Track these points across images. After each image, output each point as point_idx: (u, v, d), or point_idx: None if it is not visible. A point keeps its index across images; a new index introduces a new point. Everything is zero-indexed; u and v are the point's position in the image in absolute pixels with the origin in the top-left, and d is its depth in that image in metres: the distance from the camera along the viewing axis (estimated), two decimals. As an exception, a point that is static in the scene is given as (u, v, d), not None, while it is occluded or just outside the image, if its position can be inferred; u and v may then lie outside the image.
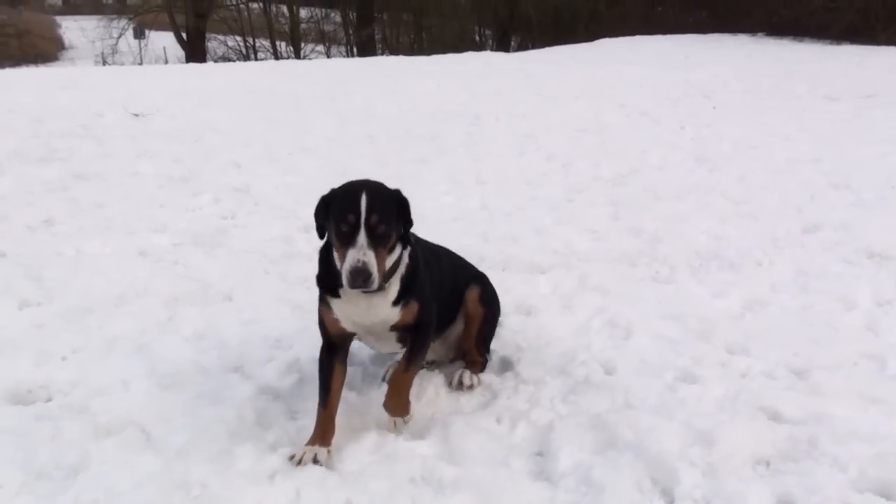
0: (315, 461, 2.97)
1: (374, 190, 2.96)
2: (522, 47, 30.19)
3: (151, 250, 5.36)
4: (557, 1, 29.99)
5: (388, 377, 3.62)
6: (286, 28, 36.03)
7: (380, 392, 3.38)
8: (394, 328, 3.22)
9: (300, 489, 2.82)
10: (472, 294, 3.71)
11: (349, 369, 3.54)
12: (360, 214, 2.84)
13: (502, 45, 31.36)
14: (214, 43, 36.16)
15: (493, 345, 3.89)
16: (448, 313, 3.68)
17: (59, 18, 51.11)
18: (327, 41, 36.69)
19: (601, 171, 7.94)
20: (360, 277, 2.81)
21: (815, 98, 12.25)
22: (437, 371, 3.75)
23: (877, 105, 11.30)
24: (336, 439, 3.10)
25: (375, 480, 2.88)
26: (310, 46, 36.49)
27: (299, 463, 2.95)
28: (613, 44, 22.70)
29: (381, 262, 2.88)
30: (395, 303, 3.13)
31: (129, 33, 35.78)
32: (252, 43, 36.60)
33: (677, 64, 16.97)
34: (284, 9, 36.03)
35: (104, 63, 32.84)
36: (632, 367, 3.74)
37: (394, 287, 3.11)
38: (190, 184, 7.11)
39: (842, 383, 3.54)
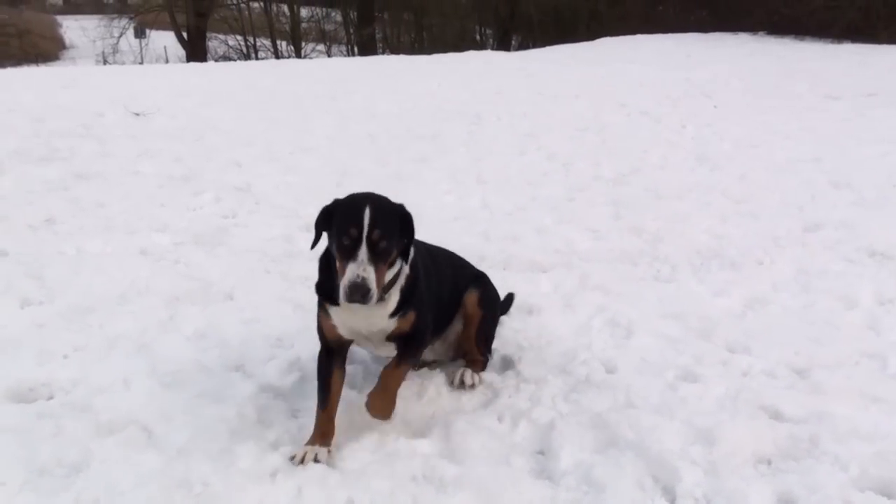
0: (315, 461, 2.97)
1: (378, 204, 2.94)
2: (523, 46, 30.18)
3: (152, 249, 5.36)
4: (558, 0, 29.97)
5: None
6: (287, 27, 36.01)
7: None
8: (390, 337, 3.22)
9: (301, 487, 2.82)
10: (472, 297, 3.71)
11: (350, 368, 3.56)
12: (363, 229, 2.83)
13: (503, 45, 31.35)
14: (215, 42, 36.16)
15: (494, 344, 3.89)
16: (447, 315, 3.69)
17: (59, 18, 51.13)
18: (328, 40, 36.68)
19: (602, 170, 7.94)
20: (359, 293, 2.81)
21: (816, 97, 12.25)
22: (438, 370, 3.75)
23: (878, 104, 11.29)
24: (337, 438, 3.11)
25: (377, 479, 2.88)
26: (310, 46, 36.48)
27: (301, 462, 2.96)
28: (614, 43, 22.68)
29: (380, 277, 2.88)
30: (393, 314, 3.14)
31: (130, 33, 35.78)
32: (253, 42, 36.58)
33: (678, 63, 16.96)
34: (285, 8, 36.00)
35: (105, 62, 32.84)
36: (633, 366, 3.74)
37: (393, 298, 3.11)
38: (191, 183, 7.11)
39: (843, 382, 3.54)
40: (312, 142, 9.22)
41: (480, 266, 4.16)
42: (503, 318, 4.16)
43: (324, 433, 3.08)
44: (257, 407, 3.37)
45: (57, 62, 36.47)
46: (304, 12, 37.10)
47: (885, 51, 17.60)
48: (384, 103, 12.05)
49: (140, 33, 35.83)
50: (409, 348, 3.24)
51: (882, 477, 2.84)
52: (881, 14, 19.96)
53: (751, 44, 21.24)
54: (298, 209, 6.37)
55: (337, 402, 3.19)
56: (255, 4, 36.80)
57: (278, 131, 9.72)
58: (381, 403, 3.16)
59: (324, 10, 37.68)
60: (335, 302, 3.09)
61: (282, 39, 36.08)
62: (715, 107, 11.73)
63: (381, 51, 32.84)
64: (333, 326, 3.19)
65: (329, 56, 33.11)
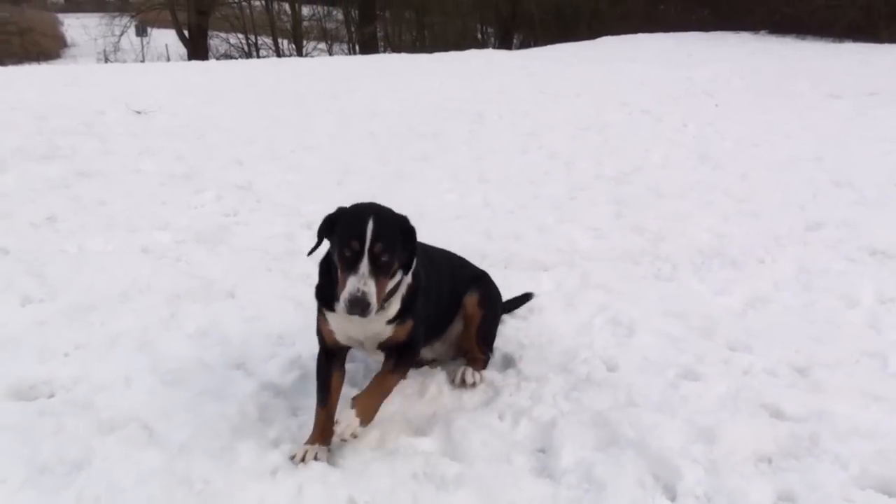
0: (316, 459, 2.97)
1: (381, 217, 2.92)
2: (525, 45, 30.18)
3: (154, 247, 5.36)
4: (560, -1, 29.99)
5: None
6: (288, 25, 36.00)
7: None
8: (382, 346, 3.22)
9: (302, 485, 2.82)
10: (472, 299, 3.70)
11: (350, 366, 3.56)
12: (365, 242, 2.82)
13: (504, 43, 31.36)
14: (216, 40, 36.21)
15: (496, 342, 3.89)
16: (446, 317, 3.69)
17: (61, 16, 51.25)
18: (329, 39, 36.70)
19: (604, 169, 7.94)
20: (359, 307, 2.80)
21: (817, 96, 12.25)
22: (439, 368, 3.75)
23: (879, 103, 11.29)
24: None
25: (377, 477, 2.89)
26: (312, 44, 36.51)
27: (301, 461, 2.95)
28: (616, 42, 22.67)
29: (381, 289, 2.88)
30: (391, 320, 3.14)
31: (132, 31, 35.82)
32: (254, 40, 36.62)
33: (679, 62, 16.96)
34: (286, 6, 36.02)
35: (106, 61, 32.87)
36: (634, 365, 3.74)
37: (393, 307, 3.11)
38: (192, 181, 7.11)
39: (843, 381, 3.54)
40: (314, 140, 9.22)
41: (482, 265, 4.16)
42: (504, 317, 4.16)
43: (323, 432, 3.08)
44: (258, 405, 3.37)
45: (58, 60, 36.54)
46: (306, 10, 37.12)
47: (887, 50, 17.59)
48: (386, 102, 12.05)
49: (141, 31, 35.86)
50: (402, 357, 3.22)
51: (882, 475, 2.84)
52: (882, 13, 19.93)
53: (752, 43, 21.23)
54: (300, 207, 6.38)
55: (336, 400, 3.19)
56: (257, 2, 36.85)
57: (280, 129, 9.72)
58: (364, 407, 3.02)
59: (325, 8, 37.69)
60: (333, 308, 3.10)
61: (283, 38, 36.09)
62: (716, 106, 11.72)
63: (382, 49, 32.83)
64: (331, 331, 3.20)
65: (330, 54, 33.16)
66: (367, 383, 3.25)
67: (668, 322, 4.25)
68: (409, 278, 3.14)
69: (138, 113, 9.96)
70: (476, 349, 3.73)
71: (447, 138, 9.55)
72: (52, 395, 3.46)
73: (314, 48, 35.95)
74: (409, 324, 3.19)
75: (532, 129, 10.11)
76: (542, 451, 3.12)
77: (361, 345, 3.26)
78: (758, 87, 13.33)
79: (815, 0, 20.58)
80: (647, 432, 3.10)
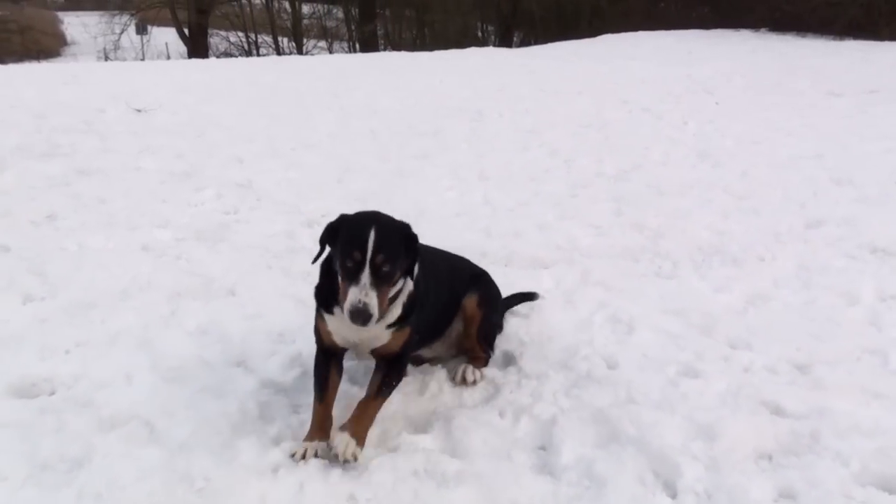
0: (316, 456, 2.97)
1: (383, 227, 2.91)
2: (525, 43, 30.20)
3: (154, 245, 5.36)
4: (560, -4, 29.99)
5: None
6: (288, 24, 36.01)
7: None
8: (374, 351, 3.22)
9: (303, 482, 2.82)
10: (471, 301, 3.70)
11: (351, 364, 3.57)
12: (367, 253, 2.82)
13: (505, 41, 31.37)
14: (216, 39, 36.23)
15: (496, 340, 3.89)
16: (445, 318, 3.69)
17: (61, 14, 51.25)
18: (330, 37, 36.70)
19: (604, 166, 7.93)
20: (360, 318, 2.80)
21: (818, 94, 12.24)
22: (439, 366, 3.75)
23: (880, 101, 11.29)
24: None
25: (379, 474, 2.89)
26: (312, 42, 36.51)
27: (302, 458, 2.94)
28: (616, 39, 22.68)
29: (383, 299, 2.87)
30: (390, 326, 3.13)
31: (132, 29, 35.84)
32: (254, 38, 36.62)
33: (680, 60, 16.96)
34: (287, 4, 36.02)
35: (106, 59, 32.85)
36: (634, 362, 3.74)
37: (393, 313, 3.11)
38: (192, 179, 7.11)
39: (844, 378, 3.55)
40: (314, 138, 9.21)
41: (482, 262, 4.16)
42: (505, 314, 4.16)
43: (321, 426, 3.07)
44: (259, 402, 3.37)
45: (58, 58, 36.52)
46: (306, 8, 37.15)
47: (887, 48, 17.59)
48: (386, 100, 12.05)
49: (141, 30, 35.88)
50: (390, 372, 3.19)
51: (883, 472, 2.85)
52: (883, 11, 19.93)
53: (752, 40, 21.23)
54: (300, 205, 6.38)
55: (334, 396, 3.20)
56: (257, 1, 36.82)
57: (280, 128, 9.72)
58: (355, 432, 2.96)
59: (325, 6, 37.69)
60: (331, 311, 3.11)
61: (283, 36, 36.09)
62: (717, 103, 11.72)
63: (382, 47, 32.83)
64: (329, 333, 3.20)
65: (331, 52, 33.15)
66: (367, 379, 3.25)
67: (669, 319, 4.25)
68: (410, 285, 3.13)
69: (138, 111, 9.96)
70: (477, 347, 3.73)
71: (447, 136, 9.54)
72: (52, 393, 3.46)
73: (314, 46, 35.96)
74: (405, 331, 3.19)
75: (532, 127, 10.10)
76: (543, 448, 3.12)
77: (356, 347, 3.26)
78: (758, 84, 13.32)
79: (815, -3, 20.60)
80: (647, 429, 3.10)
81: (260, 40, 36.59)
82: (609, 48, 20.62)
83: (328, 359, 3.23)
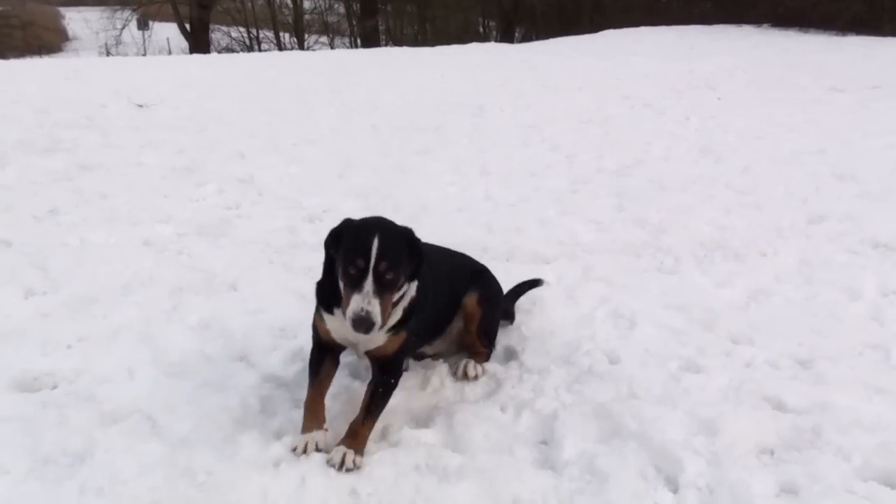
0: (317, 450, 2.96)
1: (386, 234, 2.89)
2: (527, 38, 30.17)
3: (156, 240, 5.36)
4: (561, -8, 29.96)
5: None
6: (290, 19, 36.01)
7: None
8: (370, 353, 3.21)
9: (305, 476, 2.82)
10: (471, 299, 3.68)
11: (350, 359, 3.57)
12: (370, 260, 2.80)
13: (506, 37, 31.34)
14: (218, 34, 36.25)
15: (498, 335, 3.89)
16: (446, 317, 3.68)
17: (62, 10, 51.20)
18: (331, 32, 36.69)
19: (605, 162, 7.93)
20: (363, 326, 2.79)
21: (820, 89, 12.22)
22: (441, 361, 3.75)
23: (882, 96, 11.27)
24: (338, 427, 3.10)
25: (380, 468, 2.89)
26: (313, 37, 36.49)
27: (304, 452, 2.94)
28: (618, 35, 22.66)
29: (385, 307, 2.86)
30: (388, 329, 3.12)
31: (133, 25, 35.82)
32: (256, 34, 36.60)
33: (682, 55, 16.93)
34: (288, 0, 35.99)
35: (108, 54, 32.85)
36: (636, 357, 3.74)
37: (395, 317, 3.10)
38: (194, 174, 7.11)
39: (846, 373, 3.54)
40: (316, 133, 9.21)
41: (483, 258, 4.15)
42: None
43: (315, 415, 3.07)
44: (260, 397, 3.37)
45: (60, 54, 36.57)
46: (307, 4, 37.15)
47: (890, 43, 17.56)
48: (387, 95, 12.04)
49: (143, 25, 35.86)
50: (385, 376, 3.15)
51: (885, 467, 2.84)
52: (886, 6, 19.91)
53: (755, 36, 21.19)
54: (302, 200, 6.38)
55: (328, 385, 3.21)
56: (258, -4, 36.82)
57: (281, 123, 9.71)
58: (352, 444, 2.95)
59: (327, 1, 37.66)
60: (331, 311, 3.11)
61: (285, 31, 36.09)
62: (719, 99, 11.70)
63: (384, 43, 32.83)
64: (328, 331, 3.20)
65: (332, 48, 33.10)
66: (367, 373, 3.25)
67: (670, 314, 4.25)
68: (413, 290, 3.13)
69: (140, 106, 9.96)
70: (478, 343, 3.73)
71: (449, 131, 9.54)
72: (54, 387, 3.46)
73: (316, 42, 35.94)
74: (402, 335, 3.17)
75: (534, 123, 10.09)
76: (545, 443, 3.12)
77: (354, 347, 3.26)
78: (760, 80, 13.30)
79: (817, -7, 20.56)
80: (648, 424, 3.10)
81: (261, 36, 36.61)
82: (611, 44, 20.59)
83: (323, 354, 3.23)
